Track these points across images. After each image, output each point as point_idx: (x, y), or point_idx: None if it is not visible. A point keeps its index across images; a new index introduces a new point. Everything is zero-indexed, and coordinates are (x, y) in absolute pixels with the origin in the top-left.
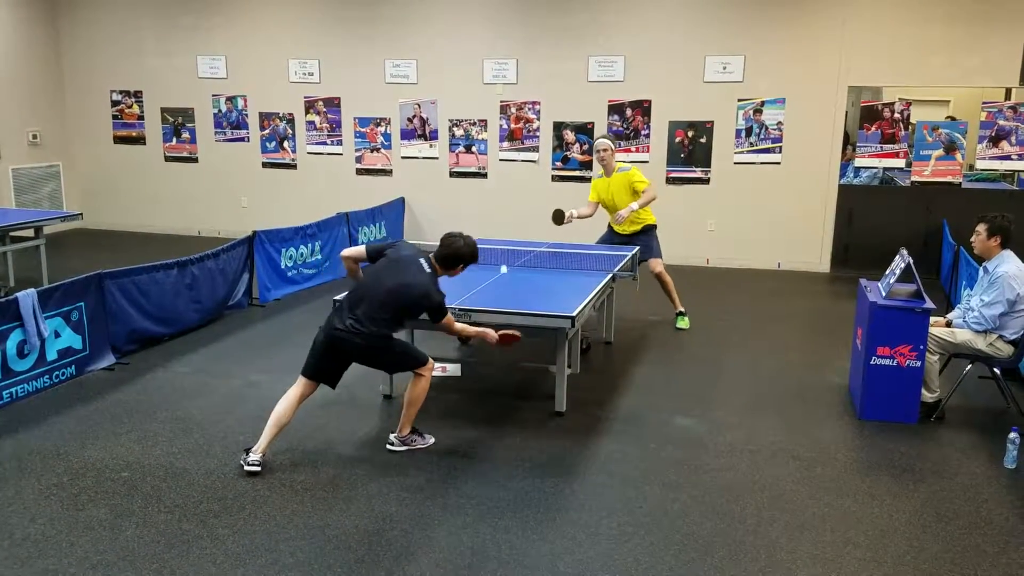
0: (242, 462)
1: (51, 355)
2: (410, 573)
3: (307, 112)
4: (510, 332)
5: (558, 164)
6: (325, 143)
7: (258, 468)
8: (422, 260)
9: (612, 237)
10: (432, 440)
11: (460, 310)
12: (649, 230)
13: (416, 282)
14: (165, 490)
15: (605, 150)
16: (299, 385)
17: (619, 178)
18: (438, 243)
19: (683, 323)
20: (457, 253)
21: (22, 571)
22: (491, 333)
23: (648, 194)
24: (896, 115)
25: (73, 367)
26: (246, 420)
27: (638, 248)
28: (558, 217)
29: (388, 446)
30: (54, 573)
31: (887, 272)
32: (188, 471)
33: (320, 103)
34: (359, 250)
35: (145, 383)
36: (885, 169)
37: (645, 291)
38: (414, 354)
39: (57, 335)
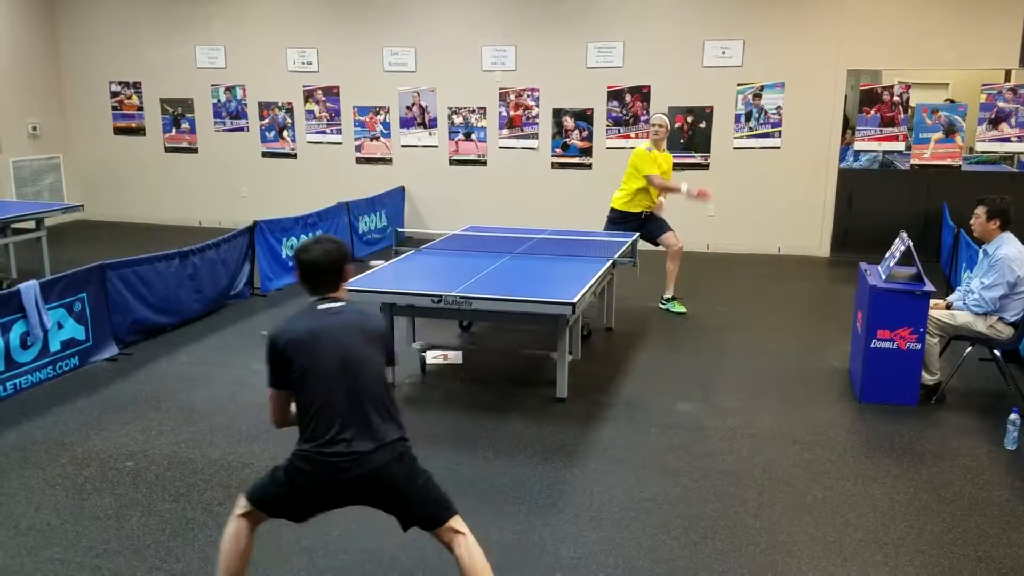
0: None
1: (54, 346)
2: (413, 559)
3: (306, 101)
4: None
5: (558, 151)
6: (324, 132)
7: None
8: (322, 306)
9: (647, 216)
10: None
11: (461, 297)
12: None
13: (360, 315)
14: (169, 479)
15: (662, 126)
16: (249, 520)
17: (667, 157)
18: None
19: (678, 307)
20: (326, 264)
21: (28, 561)
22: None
23: (655, 184)
24: (895, 98)
25: (76, 358)
26: (249, 409)
27: (638, 235)
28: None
29: None
30: (60, 562)
31: (887, 255)
32: (192, 460)
33: (319, 92)
34: (273, 396)
35: (148, 373)
36: (885, 152)
37: (646, 277)
38: (444, 493)
39: (60, 326)
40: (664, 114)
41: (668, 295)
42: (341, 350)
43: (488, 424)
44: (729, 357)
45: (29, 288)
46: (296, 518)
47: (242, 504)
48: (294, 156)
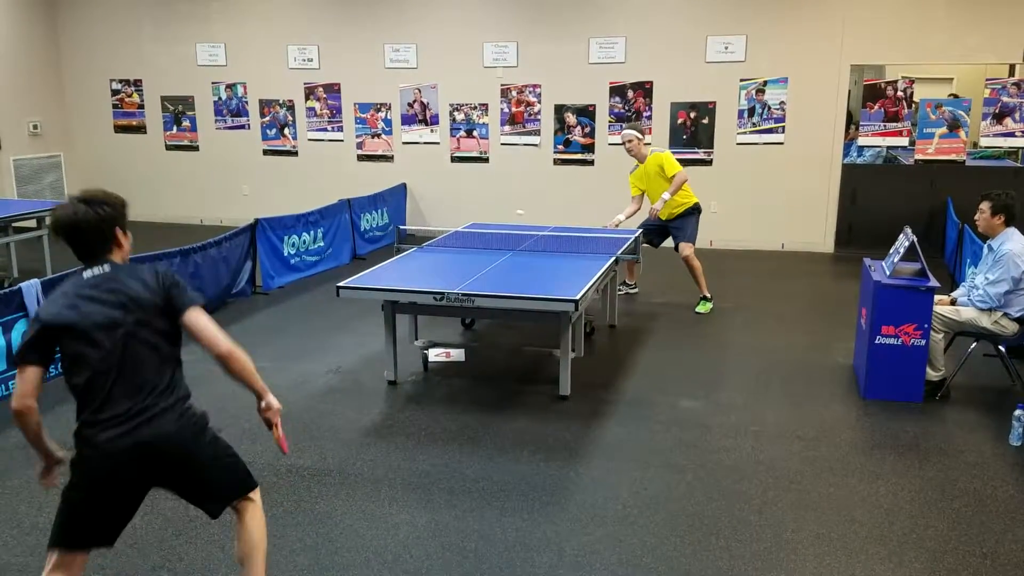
0: None
1: None
2: (417, 556)
3: (307, 98)
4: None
5: (560, 147)
6: (326, 129)
7: None
8: (92, 273)
9: (657, 220)
10: None
11: (463, 295)
12: (690, 212)
13: (126, 277)
14: None
15: (629, 141)
16: (60, 568)
17: (652, 162)
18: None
19: (703, 307)
20: (80, 226)
21: (31, 560)
22: (275, 405)
23: (677, 180)
24: (899, 93)
25: None
26: (250, 408)
27: (640, 231)
28: (618, 224)
29: None
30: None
31: (891, 251)
32: None
33: (320, 89)
34: (23, 373)
35: None
36: (888, 148)
37: (649, 274)
38: (243, 467)
39: None
40: (631, 127)
41: (704, 294)
42: (112, 317)
43: (491, 422)
44: (733, 354)
45: (31, 287)
46: (102, 534)
47: (48, 558)
48: (295, 154)
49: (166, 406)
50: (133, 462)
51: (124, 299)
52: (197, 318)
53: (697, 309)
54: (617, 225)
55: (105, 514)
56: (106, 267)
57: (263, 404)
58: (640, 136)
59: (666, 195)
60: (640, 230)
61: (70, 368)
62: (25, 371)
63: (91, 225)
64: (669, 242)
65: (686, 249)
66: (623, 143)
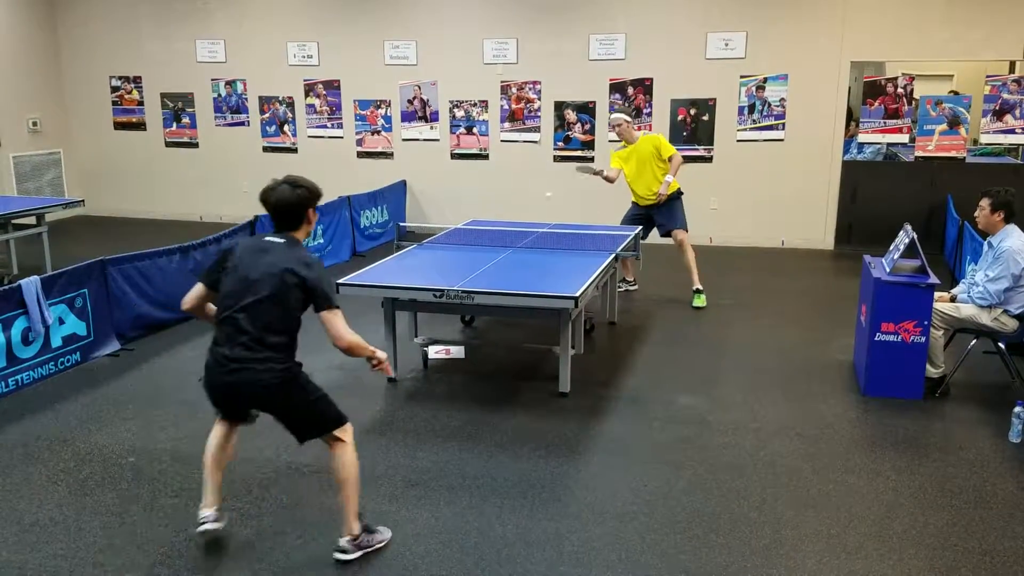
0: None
1: (56, 342)
2: (417, 553)
3: (307, 95)
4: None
5: (560, 144)
6: (325, 126)
7: (217, 525)
8: (270, 238)
9: (636, 209)
10: (389, 533)
11: (463, 292)
12: (675, 197)
13: (285, 256)
14: (171, 475)
15: (619, 125)
16: (221, 425)
17: (645, 143)
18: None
19: (699, 301)
20: (283, 203)
21: (31, 556)
22: (380, 354)
23: (677, 161)
24: (899, 90)
25: (78, 354)
26: None
27: (640, 228)
28: (587, 169)
29: (338, 555)
30: (63, 558)
31: (891, 248)
32: (194, 456)
33: (320, 86)
34: (196, 289)
35: (150, 369)
36: (889, 144)
37: (648, 271)
38: (334, 408)
39: (61, 322)
40: (619, 111)
41: (696, 286)
42: (259, 277)
43: (490, 419)
44: (732, 350)
45: (30, 284)
46: (226, 414)
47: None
48: (295, 150)
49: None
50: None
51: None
52: (329, 318)
53: (694, 304)
54: (600, 173)
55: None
56: (281, 240)
57: (373, 362)
58: (629, 120)
59: (669, 177)
60: (639, 227)
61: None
62: (195, 285)
63: (293, 202)
64: (659, 239)
65: (681, 235)
66: (613, 127)
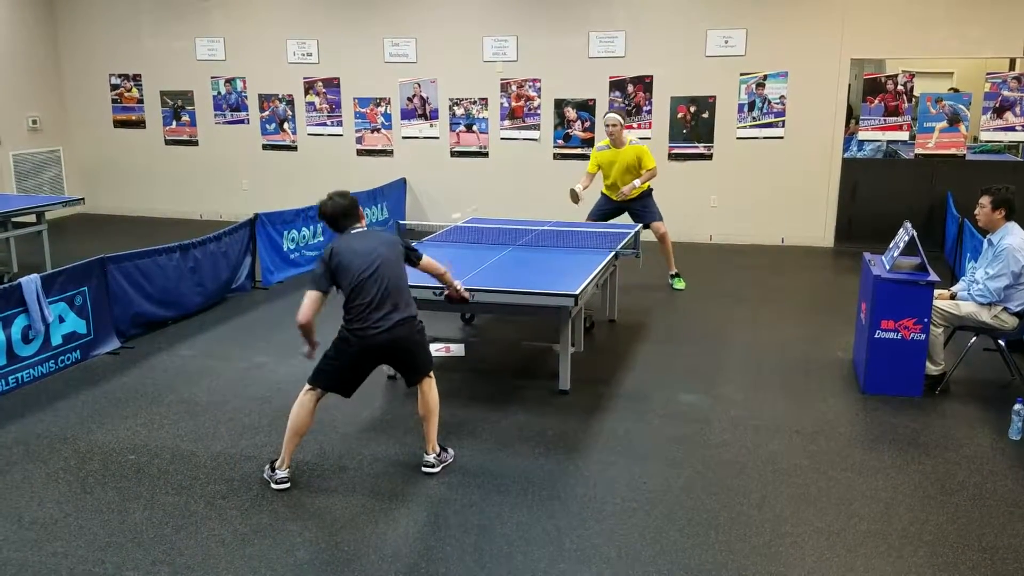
0: (267, 478)
1: (56, 340)
2: (417, 551)
3: (306, 93)
4: (461, 292)
5: (559, 142)
6: (325, 124)
7: (287, 484)
8: (356, 230)
9: (607, 203)
10: (453, 453)
11: (464, 289)
12: (645, 194)
13: (378, 233)
14: (172, 472)
15: (614, 125)
16: (312, 394)
17: (629, 151)
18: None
19: (679, 284)
20: (335, 213)
21: (32, 554)
22: (456, 284)
23: (650, 173)
24: (899, 87)
25: (78, 352)
26: (251, 402)
27: (640, 225)
28: (574, 196)
29: (426, 468)
30: (63, 556)
31: (891, 245)
32: (195, 453)
33: (319, 84)
34: (313, 299)
35: (150, 367)
36: (889, 142)
37: (649, 269)
38: (431, 358)
39: (61, 320)
40: (615, 111)
41: (673, 271)
42: (374, 256)
43: (491, 416)
44: (732, 348)
45: (30, 282)
46: (345, 389)
47: (305, 387)
48: (295, 148)
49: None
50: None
51: (377, 242)
52: (426, 261)
53: (676, 286)
54: (576, 196)
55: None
56: (362, 227)
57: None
58: (623, 122)
59: (637, 182)
60: (639, 225)
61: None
62: (309, 296)
63: (346, 206)
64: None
65: (661, 228)
66: (608, 126)
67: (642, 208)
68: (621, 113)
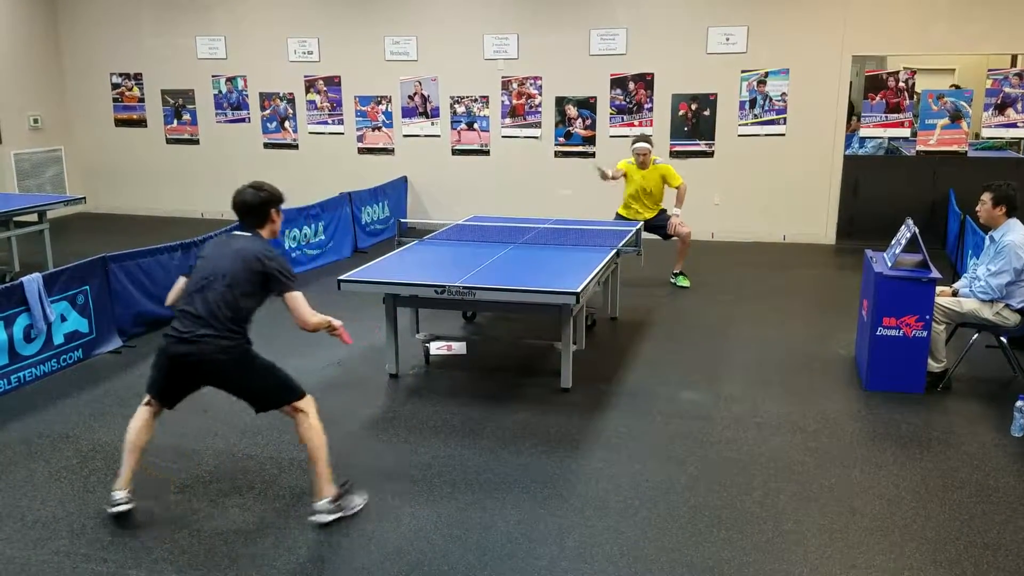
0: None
1: (58, 339)
2: (420, 549)
3: (307, 91)
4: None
5: (561, 140)
6: (326, 122)
7: (127, 506)
8: (237, 232)
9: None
10: (365, 498)
11: (464, 288)
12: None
13: (250, 245)
14: (175, 471)
15: (644, 154)
16: (147, 405)
17: (653, 172)
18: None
19: (684, 281)
20: (238, 208)
21: (34, 553)
22: (336, 323)
23: (684, 192)
24: (901, 84)
25: (80, 350)
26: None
27: (641, 224)
28: (602, 174)
29: (316, 518)
30: (65, 554)
31: (893, 242)
32: (197, 452)
33: (320, 82)
34: (179, 283)
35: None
36: (890, 139)
37: (650, 266)
38: (288, 382)
39: (63, 319)
40: (645, 140)
41: (678, 269)
42: (214, 269)
43: (492, 414)
44: (734, 345)
45: (32, 281)
46: (164, 398)
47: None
48: (296, 147)
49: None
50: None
51: (233, 257)
52: (295, 302)
53: (680, 283)
54: (603, 173)
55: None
56: (248, 233)
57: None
58: (651, 149)
59: (677, 211)
60: (641, 223)
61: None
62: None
63: (251, 205)
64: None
65: (684, 227)
66: (639, 155)
67: (665, 221)
68: (649, 139)
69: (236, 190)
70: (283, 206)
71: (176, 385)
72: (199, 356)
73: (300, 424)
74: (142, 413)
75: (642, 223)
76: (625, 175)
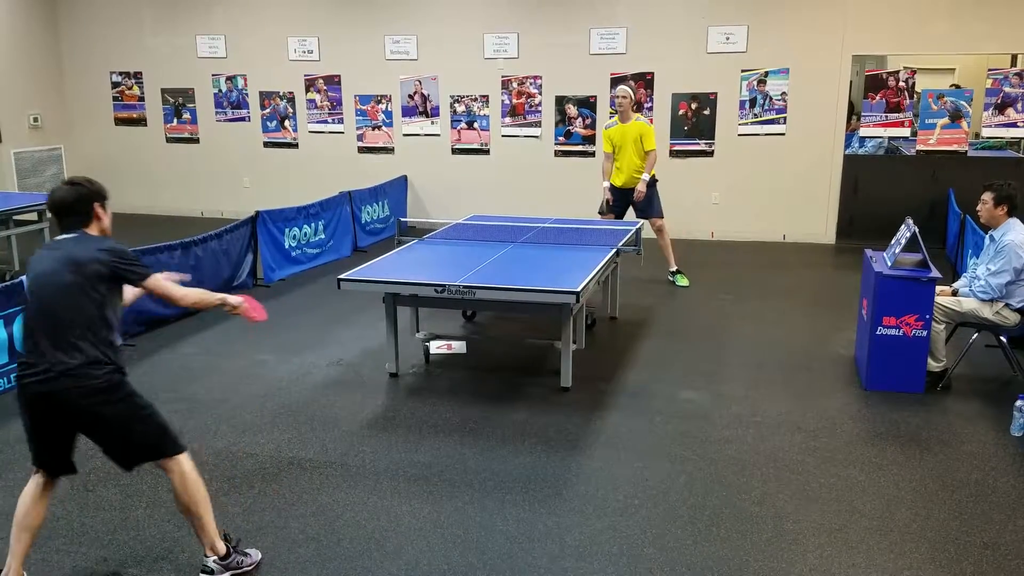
0: None
1: None
2: (419, 548)
3: (307, 90)
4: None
5: (560, 139)
6: (326, 122)
7: None
8: (60, 237)
9: (612, 191)
10: (259, 555)
11: (464, 287)
12: (650, 185)
13: (81, 247)
14: None
15: (624, 97)
16: (36, 475)
17: (634, 126)
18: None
19: (683, 281)
20: (55, 208)
21: (34, 552)
22: (232, 300)
23: (653, 159)
24: (901, 84)
25: None
26: (253, 400)
27: (642, 223)
28: (604, 206)
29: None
30: (65, 553)
31: (893, 242)
32: (196, 451)
33: (320, 81)
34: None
35: (151, 364)
36: (890, 138)
37: (650, 266)
38: (169, 429)
39: None
40: (627, 85)
41: (673, 268)
42: (44, 277)
43: (492, 414)
44: (734, 345)
45: None
46: (44, 459)
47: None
48: (296, 146)
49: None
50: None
51: (64, 260)
52: (156, 282)
53: (679, 283)
54: (607, 203)
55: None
56: (73, 235)
57: (226, 308)
58: (633, 97)
59: (646, 176)
60: (641, 222)
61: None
62: None
63: (69, 202)
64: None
65: (659, 222)
66: (619, 97)
67: (646, 203)
68: (632, 87)
69: (51, 191)
70: (283, 205)
71: (51, 436)
72: (70, 400)
73: (178, 477)
74: (30, 487)
75: (642, 224)
76: (613, 147)
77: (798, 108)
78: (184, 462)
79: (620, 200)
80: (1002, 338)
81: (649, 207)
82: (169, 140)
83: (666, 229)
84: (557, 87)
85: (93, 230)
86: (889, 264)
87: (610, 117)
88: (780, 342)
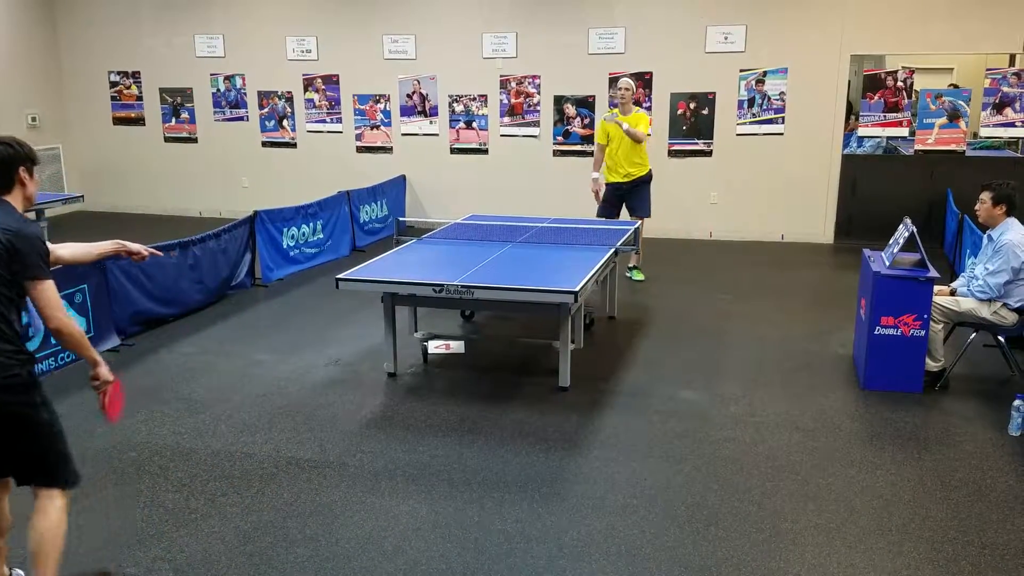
0: None
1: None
2: (417, 547)
3: (306, 90)
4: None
5: (559, 138)
6: (324, 121)
7: None
8: None
9: (611, 192)
10: None
11: (463, 287)
12: (646, 181)
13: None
14: (172, 470)
15: (627, 89)
16: None
17: (633, 118)
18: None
19: (638, 275)
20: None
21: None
22: (103, 370)
23: (639, 133)
24: (899, 84)
25: None
26: (251, 399)
27: (641, 222)
28: (597, 195)
29: None
30: (63, 554)
31: (891, 241)
32: (195, 451)
33: (319, 81)
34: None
35: (150, 364)
36: (888, 138)
37: (649, 265)
38: (71, 459)
39: None
40: (630, 78)
41: (635, 263)
42: None
43: (490, 413)
44: (732, 344)
45: None
46: None
47: None
48: (294, 145)
49: None
50: None
51: None
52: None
53: (634, 277)
54: (600, 186)
55: None
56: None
57: (92, 374)
58: (634, 91)
59: (626, 125)
60: (640, 221)
61: None
62: None
63: None
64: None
65: (643, 221)
66: (621, 89)
67: (639, 197)
68: (637, 83)
69: None
70: (281, 205)
71: None
72: None
73: (56, 514)
74: None
75: (641, 223)
76: (608, 138)
77: (796, 108)
78: (68, 501)
79: (614, 198)
80: (1000, 338)
81: (642, 205)
82: (167, 140)
83: (643, 229)
84: (556, 87)
85: (16, 198)
86: (887, 264)
87: (609, 110)
88: (778, 342)
